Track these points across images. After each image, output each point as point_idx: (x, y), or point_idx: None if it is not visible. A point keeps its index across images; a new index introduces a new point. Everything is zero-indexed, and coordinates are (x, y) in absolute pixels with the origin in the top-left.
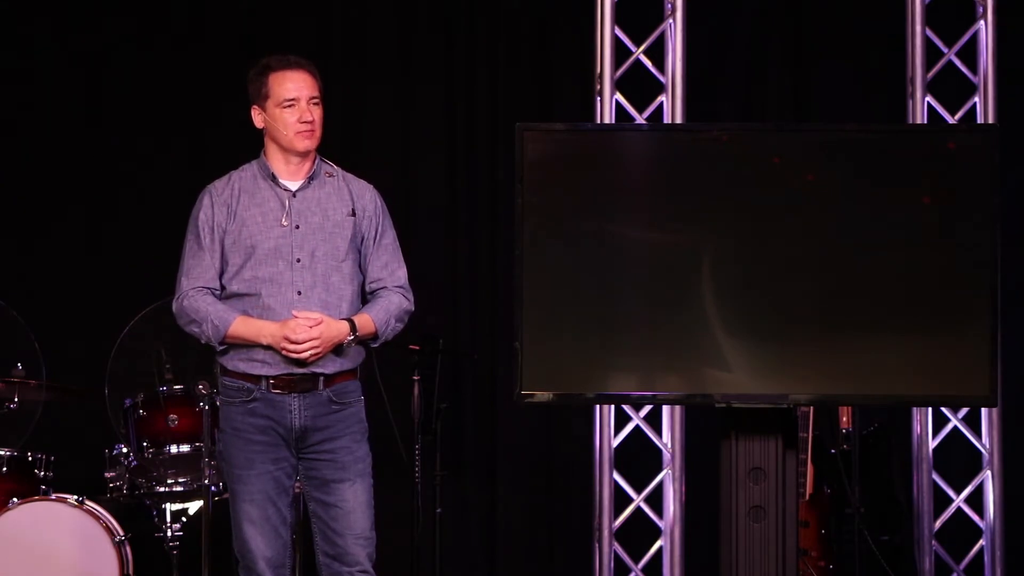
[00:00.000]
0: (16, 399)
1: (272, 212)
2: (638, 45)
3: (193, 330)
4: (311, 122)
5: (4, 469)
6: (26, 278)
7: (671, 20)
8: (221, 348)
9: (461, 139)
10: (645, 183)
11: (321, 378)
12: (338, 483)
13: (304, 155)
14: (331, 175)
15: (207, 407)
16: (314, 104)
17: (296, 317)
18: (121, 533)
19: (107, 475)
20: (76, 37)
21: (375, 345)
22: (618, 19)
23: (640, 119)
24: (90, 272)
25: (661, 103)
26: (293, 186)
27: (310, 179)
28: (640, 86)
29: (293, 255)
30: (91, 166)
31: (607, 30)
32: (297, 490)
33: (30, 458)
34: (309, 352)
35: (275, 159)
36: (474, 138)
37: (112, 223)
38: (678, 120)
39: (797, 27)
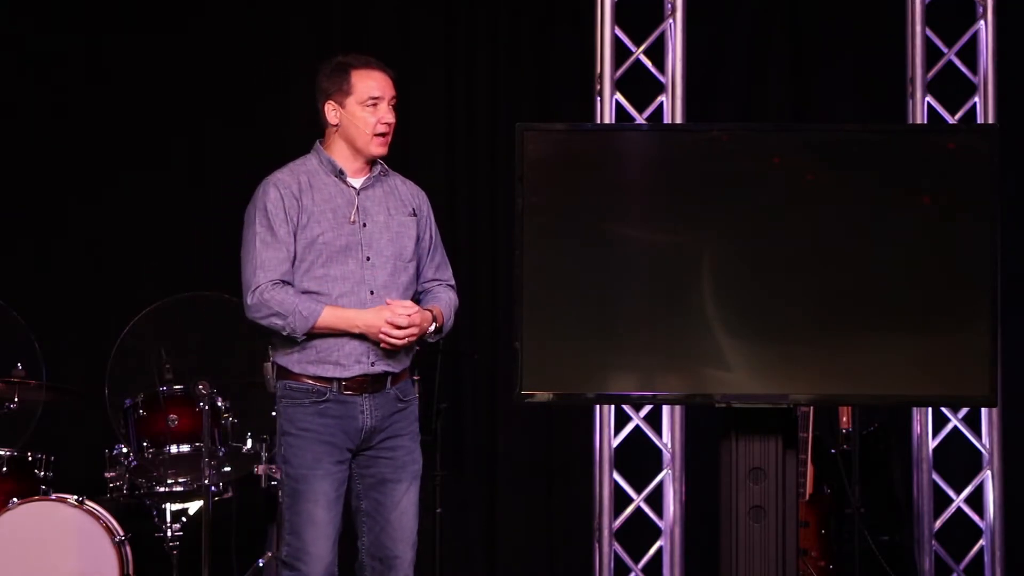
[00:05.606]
0: (16, 399)
1: (341, 209)
2: (638, 45)
3: (275, 323)
4: (390, 124)
5: (4, 469)
6: (26, 278)
7: (671, 20)
8: (301, 339)
9: (461, 139)
10: (645, 183)
11: (389, 377)
12: (396, 483)
13: (373, 158)
14: (386, 174)
15: (207, 407)
16: (393, 107)
17: (391, 305)
18: (121, 533)
19: (107, 475)
20: (76, 34)
21: (432, 341)
22: (618, 19)
23: (640, 119)
24: (90, 272)
25: (661, 103)
26: (356, 184)
27: (372, 177)
28: (640, 86)
29: (363, 253)
30: (91, 166)
31: (607, 30)
32: None
33: (30, 458)
34: (407, 340)
35: (341, 156)
36: (474, 138)
37: (112, 223)
38: (678, 120)
39: (797, 27)
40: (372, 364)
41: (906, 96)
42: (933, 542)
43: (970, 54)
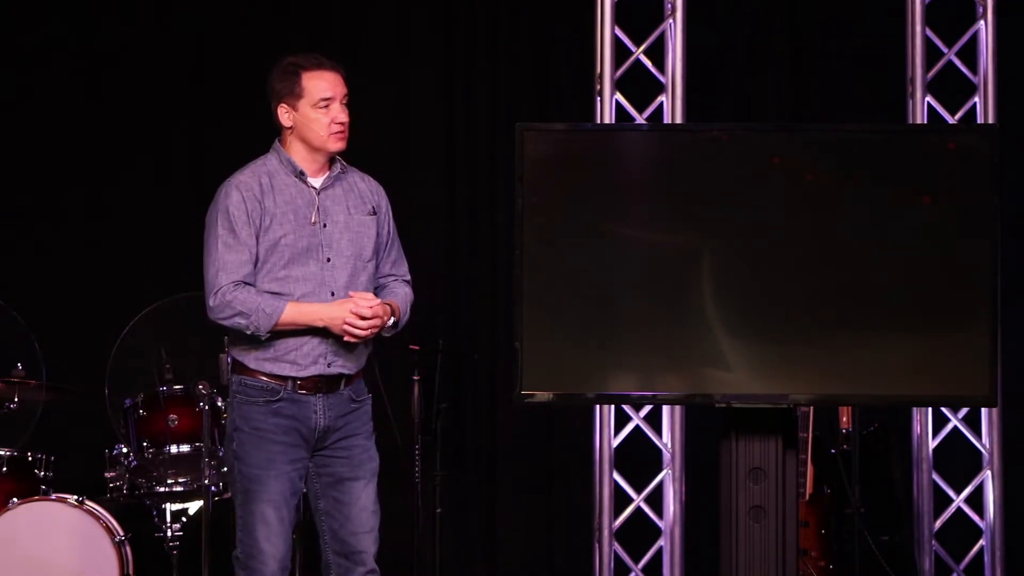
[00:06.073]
0: (16, 399)
1: (301, 210)
2: (638, 45)
3: (238, 322)
4: (344, 123)
5: (4, 469)
6: (26, 278)
7: (671, 20)
8: (265, 337)
9: (461, 139)
10: (645, 183)
11: (344, 379)
12: (353, 481)
13: (331, 155)
14: (345, 171)
15: (207, 407)
16: (346, 105)
17: (354, 296)
18: (121, 533)
19: (107, 475)
20: (77, 38)
21: (389, 335)
22: (618, 19)
23: (640, 119)
24: (90, 272)
25: (661, 103)
26: (316, 183)
27: (331, 177)
28: (640, 86)
29: (323, 254)
30: (91, 167)
31: (607, 30)
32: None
33: (30, 458)
34: (370, 332)
35: (300, 156)
36: (474, 138)
37: (112, 223)
38: (678, 120)
39: (797, 27)
40: (329, 365)
41: (906, 96)
42: (933, 542)
43: (970, 54)
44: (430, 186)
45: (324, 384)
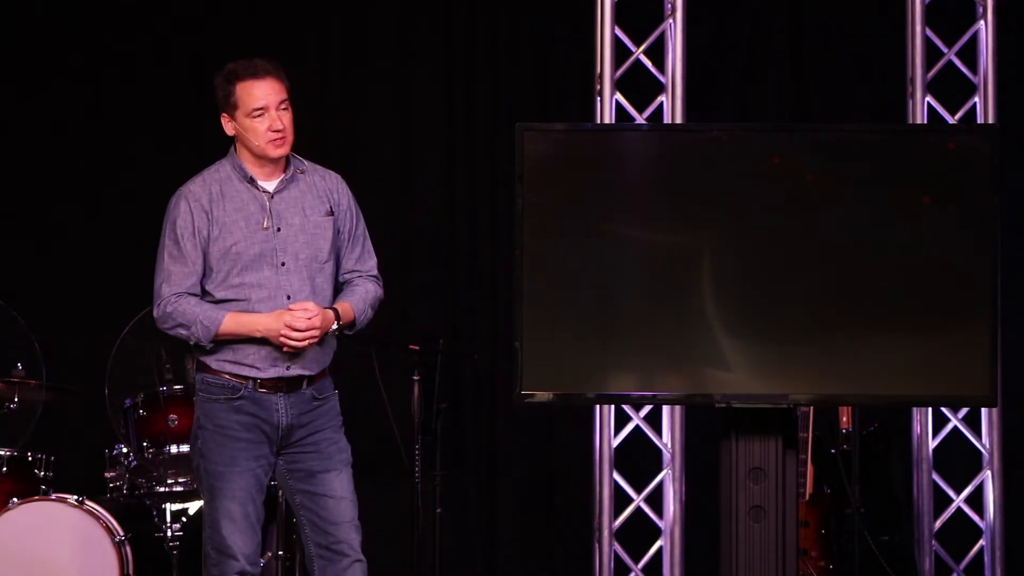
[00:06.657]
0: (16, 399)
1: (253, 216)
2: (638, 45)
3: (180, 333)
4: (282, 130)
5: (4, 469)
6: (26, 278)
7: (671, 20)
8: (210, 347)
9: (461, 139)
10: (645, 183)
11: (305, 379)
12: (324, 473)
13: (278, 160)
14: (303, 171)
15: None
16: (283, 110)
17: (292, 309)
18: (121, 533)
19: (107, 475)
20: (80, 39)
21: (350, 334)
22: (618, 19)
23: (640, 119)
24: (90, 272)
25: (661, 103)
26: (270, 187)
27: (285, 179)
28: (640, 86)
29: (277, 259)
30: (91, 167)
31: (607, 30)
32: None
33: (30, 458)
34: (308, 342)
35: (249, 162)
36: (474, 138)
37: (112, 223)
38: (678, 120)
39: (797, 27)
40: (287, 368)
41: (906, 96)
42: (933, 542)
43: (970, 54)
44: (430, 186)
45: (285, 384)
